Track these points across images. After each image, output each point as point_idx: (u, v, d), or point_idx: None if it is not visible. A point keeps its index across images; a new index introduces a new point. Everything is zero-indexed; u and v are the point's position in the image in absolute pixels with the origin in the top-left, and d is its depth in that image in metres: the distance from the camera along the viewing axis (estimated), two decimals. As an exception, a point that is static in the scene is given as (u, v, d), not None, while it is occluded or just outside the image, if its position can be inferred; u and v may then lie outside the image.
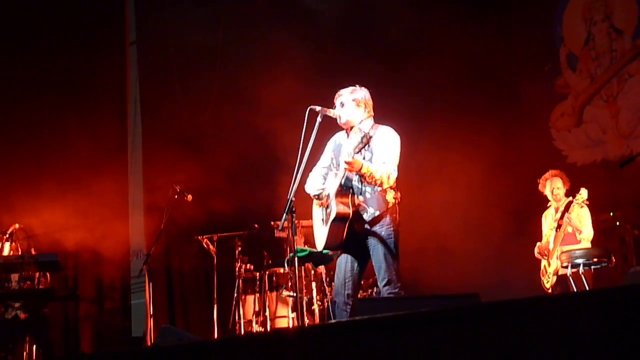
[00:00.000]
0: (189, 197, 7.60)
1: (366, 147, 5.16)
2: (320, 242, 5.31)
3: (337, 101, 5.39)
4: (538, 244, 7.47)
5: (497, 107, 8.87)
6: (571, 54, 9.10)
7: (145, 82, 10.71)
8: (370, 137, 5.09)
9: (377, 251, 5.13)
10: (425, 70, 8.75)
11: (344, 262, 5.28)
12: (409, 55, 8.88)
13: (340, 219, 5.09)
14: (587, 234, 7.14)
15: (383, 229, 5.15)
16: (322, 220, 5.28)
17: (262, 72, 9.46)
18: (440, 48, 8.85)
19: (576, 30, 9.10)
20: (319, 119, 5.17)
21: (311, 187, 5.48)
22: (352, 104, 5.33)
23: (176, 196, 7.53)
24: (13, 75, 9.95)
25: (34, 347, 7.32)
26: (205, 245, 8.51)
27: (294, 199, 4.97)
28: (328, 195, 5.27)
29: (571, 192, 7.33)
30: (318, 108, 5.20)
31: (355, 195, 5.19)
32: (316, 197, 5.44)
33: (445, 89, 8.97)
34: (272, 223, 7.98)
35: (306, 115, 5.14)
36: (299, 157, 5.02)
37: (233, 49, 10.18)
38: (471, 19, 9.15)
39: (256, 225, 8.45)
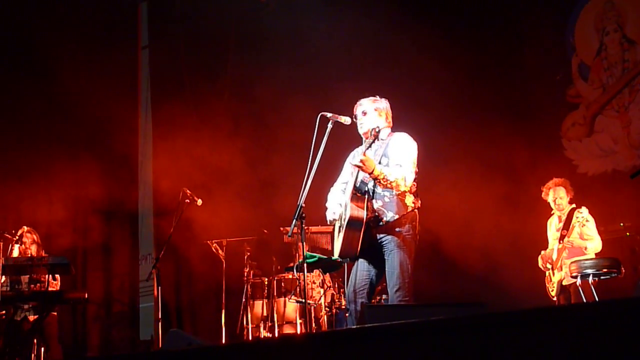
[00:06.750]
0: (199, 201, 7.61)
1: (377, 148, 5.25)
2: (336, 249, 5.30)
3: (359, 110, 5.44)
4: (542, 252, 7.44)
5: (508, 116, 8.85)
6: (583, 64, 9.08)
7: (156, 86, 10.75)
8: (379, 130, 5.18)
9: (392, 257, 5.10)
10: (435, 80, 8.74)
11: (359, 269, 5.25)
12: (418, 65, 8.87)
13: (354, 222, 5.06)
14: (592, 248, 7.10)
15: (401, 235, 5.12)
16: (340, 227, 5.26)
17: (274, 77, 9.49)
18: (451, 58, 8.84)
19: (588, 40, 9.08)
20: (330, 125, 5.19)
21: (330, 208, 5.49)
22: (374, 112, 5.40)
23: (186, 200, 7.54)
24: (25, 77, 10.02)
25: (43, 349, 7.34)
26: (214, 250, 8.53)
27: (304, 205, 4.97)
28: (344, 204, 5.26)
29: (575, 200, 7.32)
30: (329, 114, 5.23)
31: (374, 200, 5.18)
32: (332, 222, 5.45)
33: (455, 99, 8.96)
34: (282, 228, 7.98)
35: (317, 122, 5.15)
36: (309, 163, 5.03)
37: (244, 53, 10.21)
38: (482, 28, 9.16)
39: (265, 231, 8.47)
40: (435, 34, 8.95)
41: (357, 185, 5.23)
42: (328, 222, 5.50)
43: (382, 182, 5.07)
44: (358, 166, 5.04)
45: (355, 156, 5.45)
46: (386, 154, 5.25)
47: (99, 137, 10.02)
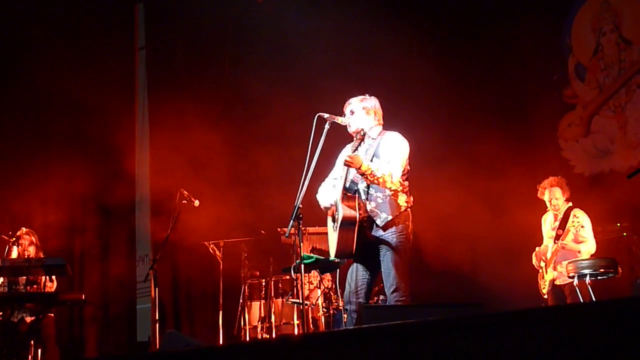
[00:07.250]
0: (196, 202, 7.60)
1: (369, 147, 5.29)
2: (332, 249, 5.31)
3: (347, 109, 5.46)
4: (537, 249, 7.43)
5: (505, 117, 8.86)
6: (580, 64, 9.09)
7: (153, 87, 10.74)
8: (364, 133, 5.25)
9: (387, 257, 5.12)
10: (430, 80, 8.74)
11: (356, 270, 5.27)
12: (415, 65, 8.87)
13: (347, 222, 5.08)
14: (586, 250, 7.07)
15: (395, 235, 5.14)
16: (334, 227, 5.27)
17: (271, 78, 9.48)
18: (447, 58, 8.85)
19: (585, 40, 9.08)
20: (327, 126, 5.20)
21: (322, 198, 5.50)
22: (362, 112, 5.40)
23: (184, 201, 7.53)
24: (21, 79, 10.00)
25: (40, 350, 7.33)
26: (211, 251, 8.52)
27: (301, 205, 4.98)
28: (335, 203, 5.27)
29: (572, 201, 7.31)
30: (326, 115, 5.24)
31: (367, 201, 5.19)
32: (326, 209, 5.46)
33: (452, 98, 8.96)
34: (279, 229, 7.97)
35: (314, 122, 5.16)
36: (306, 164, 5.03)
37: (241, 54, 10.21)
38: (479, 28, 9.16)
39: (262, 231, 8.46)
40: (430, 34, 8.98)
41: (347, 186, 5.26)
42: (322, 208, 5.49)
43: (369, 177, 5.08)
44: (347, 163, 5.05)
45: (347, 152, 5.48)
46: (377, 153, 5.28)
47: (95, 138, 10.01)
